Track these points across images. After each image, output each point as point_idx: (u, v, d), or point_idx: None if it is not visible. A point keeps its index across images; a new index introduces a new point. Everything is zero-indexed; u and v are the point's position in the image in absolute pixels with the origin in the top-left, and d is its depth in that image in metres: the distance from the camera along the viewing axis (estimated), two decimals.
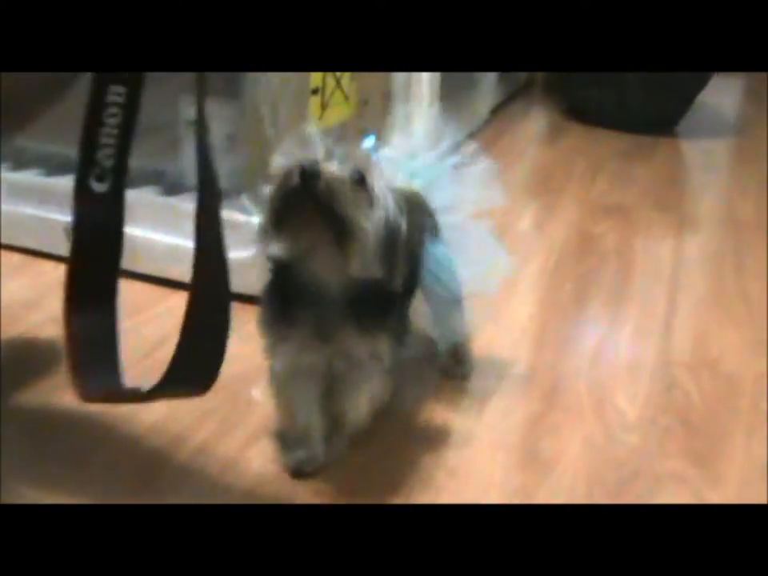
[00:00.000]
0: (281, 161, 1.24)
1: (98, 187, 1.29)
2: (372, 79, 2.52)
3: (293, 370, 1.37)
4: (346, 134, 2.30)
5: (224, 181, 1.35)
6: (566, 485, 1.50)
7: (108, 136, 1.29)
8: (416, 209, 1.36)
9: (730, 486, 1.52)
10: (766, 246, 2.53)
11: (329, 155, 1.24)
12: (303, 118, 2.05)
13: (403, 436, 1.59)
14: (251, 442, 1.52)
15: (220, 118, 1.97)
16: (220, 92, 1.93)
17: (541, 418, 1.68)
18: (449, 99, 2.87)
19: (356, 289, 1.30)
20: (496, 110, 3.79)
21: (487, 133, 3.53)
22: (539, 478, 1.51)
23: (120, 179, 1.30)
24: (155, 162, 2.15)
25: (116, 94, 1.29)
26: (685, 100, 3.76)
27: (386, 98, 2.65)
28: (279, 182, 1.23)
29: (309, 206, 1.21)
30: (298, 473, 1.42)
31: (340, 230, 1.22)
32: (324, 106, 2.17)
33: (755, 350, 1.99)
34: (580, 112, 3.82)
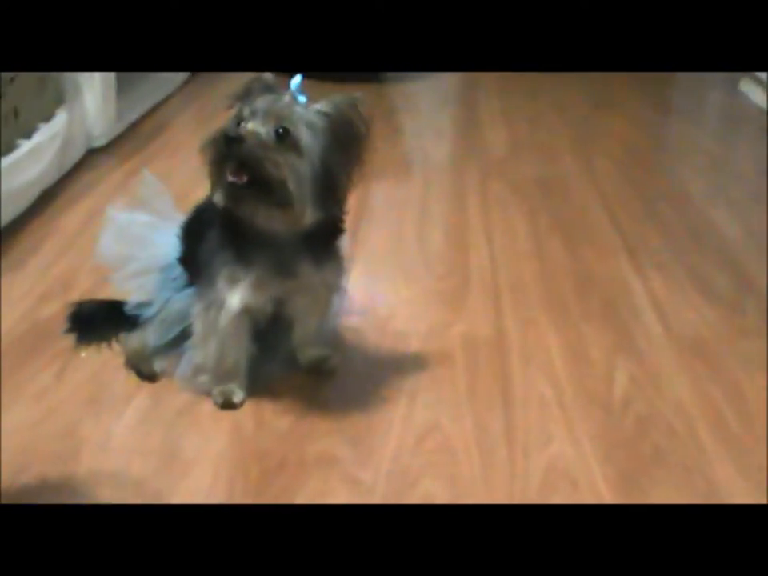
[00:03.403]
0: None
1: None
2: None
3: (245, 308, 1.45)
4: None
5: None
6: (204, 485, 1.35)
7: None
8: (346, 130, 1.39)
9: (383, 462, 1.41)
10: (454, 187, 2.46)
11: (252, 113, 1.33)
12: None
13: None
14: None
15: None
16: None
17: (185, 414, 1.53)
18: None
19: (308, 227, 1.39)
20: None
21: (182, 96, 3.34)
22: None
23: None
24: None
25: None
26: None
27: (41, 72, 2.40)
28: (208, 147, 1.34)
29: (237, 169, 1.31)
30: (227, 405, 1.52)
31: (268, 190, 1.32)
32: None
33: (427, 303, 1.91)
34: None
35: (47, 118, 2.41)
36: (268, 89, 1.39)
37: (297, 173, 1.33)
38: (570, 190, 2.60)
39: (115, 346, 1.64)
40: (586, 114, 3.42)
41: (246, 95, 1.39)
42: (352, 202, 2.30)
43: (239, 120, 1.35)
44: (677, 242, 2.25)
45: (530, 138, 3.09)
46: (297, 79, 1.39)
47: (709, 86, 3.72)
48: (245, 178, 1.32)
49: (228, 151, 1.31)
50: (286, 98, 1.37)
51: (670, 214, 2.44)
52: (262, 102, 1.34)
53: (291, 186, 1.32)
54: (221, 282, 1.45)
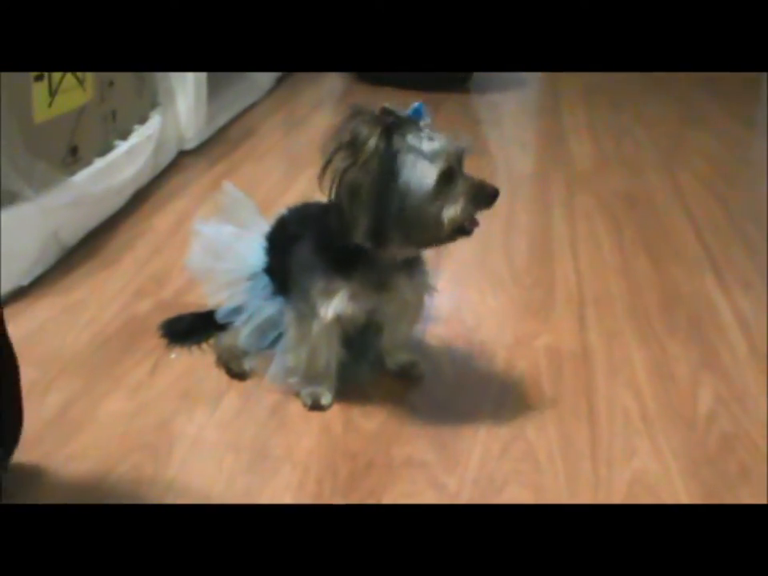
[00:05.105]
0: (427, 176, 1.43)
1: None
2: None
3: (338, 318, 1.50)
4: (87, 119, 2.11)
5: None
6: (293, 483, 1.38)
7: None
8: None
9: (468, 467, 1.43)
10: (539, 199, 2.47)
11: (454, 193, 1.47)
12: (27, 108, 1.86)
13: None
14: None
15: None
16: None
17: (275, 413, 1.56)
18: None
19: None
20: (284, 77, 3.63)
21: (271, 101, 3.39)
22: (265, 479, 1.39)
23: None
24: None
25: None
26: None
27: (139, 76, 2.47)
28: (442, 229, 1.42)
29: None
30: (315, 406, 1.56)
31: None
32: (53, 93, 1.99)
33: (513, 313, 1.92)
34: (371, 73, 3.68)
35: (142, 120, 2.48)
36: (408, 122, 1.42)
37: None
38: (656, 204, 2.60)
39: (205, 346, 1.70)
40: (671, 128, 3.41)
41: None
42: None
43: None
44: (763, 261, 2.23)
45: (616, 151, 3.09)
46: (426, 117, 1.44)
47: None
48: None
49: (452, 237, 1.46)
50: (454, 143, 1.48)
51: (755, 231, 2.43)
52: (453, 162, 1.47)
53: None
54: (315, 294, 1.49)
